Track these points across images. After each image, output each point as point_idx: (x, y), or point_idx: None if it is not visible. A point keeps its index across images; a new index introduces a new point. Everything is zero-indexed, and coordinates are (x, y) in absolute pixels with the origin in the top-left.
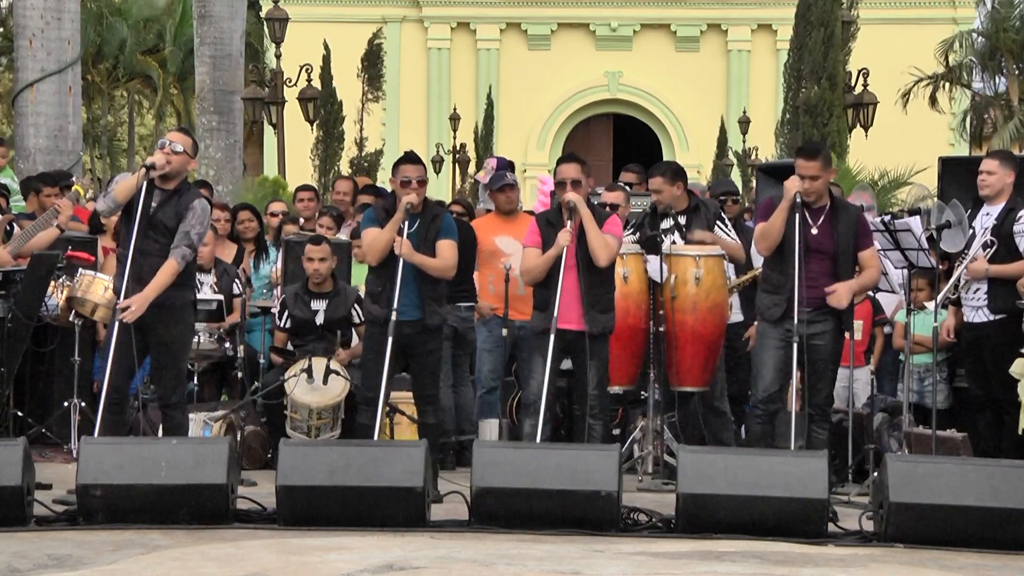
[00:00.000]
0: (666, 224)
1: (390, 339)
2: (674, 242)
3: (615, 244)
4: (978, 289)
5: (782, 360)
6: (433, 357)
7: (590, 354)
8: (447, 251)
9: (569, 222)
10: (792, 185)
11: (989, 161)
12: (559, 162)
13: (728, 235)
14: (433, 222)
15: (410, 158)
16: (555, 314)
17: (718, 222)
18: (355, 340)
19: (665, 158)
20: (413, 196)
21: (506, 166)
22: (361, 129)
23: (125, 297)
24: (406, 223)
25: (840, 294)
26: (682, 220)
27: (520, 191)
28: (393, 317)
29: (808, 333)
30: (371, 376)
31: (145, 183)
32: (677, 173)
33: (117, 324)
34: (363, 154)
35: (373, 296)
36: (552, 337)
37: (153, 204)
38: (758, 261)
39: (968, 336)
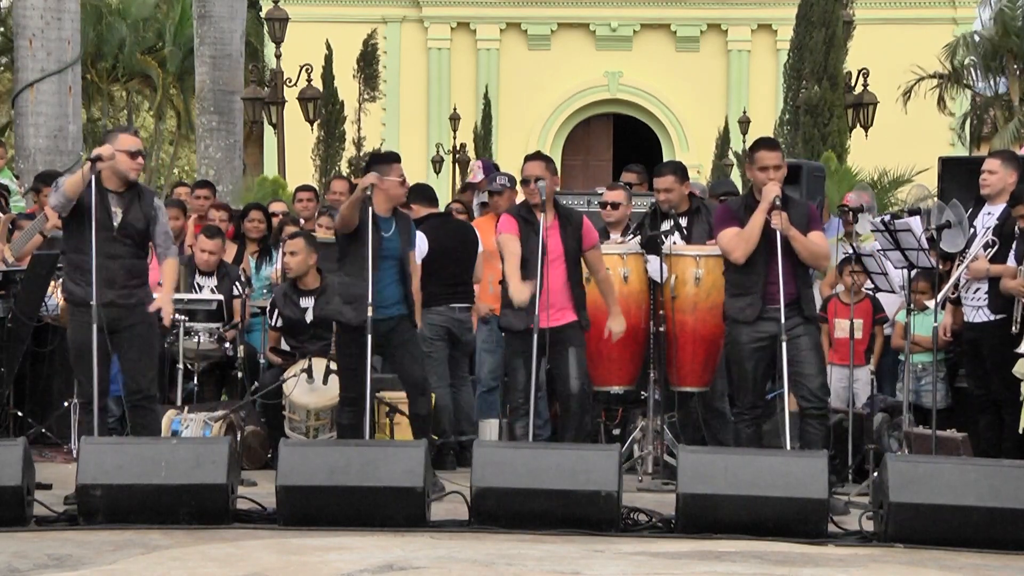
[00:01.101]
0: (666, 226)
1: (369, 337)
2: (675, 243)
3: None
4: (979, 289)
5: (759, 364)
6: (414, 344)
7: (568, 343)
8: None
9: (542, 216)
10: (773, 189)
11: (991, 160)
12: (526, 159)
13: None
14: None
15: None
16: (536, 313)
17: None
18: None
19: (665, 158)
20: (372, 177)
21: (491, 167)
22: (359, 129)
23: (102, 300)
24: (389, 225)
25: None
26: (683, 222)
27: (515, 194)
28: (369, 313)
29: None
30: (350, 377)
31: (93, 178)
32: (686, 173)
33: (81, 326)
34: (361, 154)
35: (349, 299)
36: (535, 336)
37: (116, 209)
38: None
39: (968, 336)
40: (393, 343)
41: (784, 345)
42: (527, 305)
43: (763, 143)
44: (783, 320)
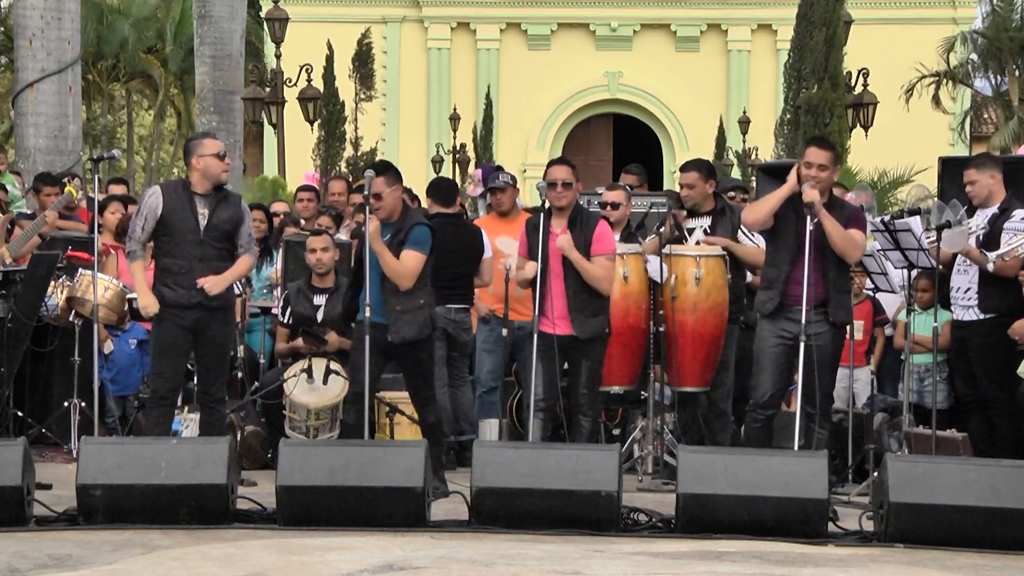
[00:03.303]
0: (692, 223)
1: (367, 339)
2: (698, 242)
3: (610, 263)
4: (969, 289)
5: (781, 361)
6: (423, 366)
7: (582, 355)
8: (408, 259)
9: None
10: (795, 182)
11: (968, 172)
12: (550, 164)
13: (752, 240)
14: (398, 234)
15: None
16: (536, 315)
17: (742, 227)
18: None
19: (665, 158)
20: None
21: (490, 172)
22: (356, 129)
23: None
24: (386, 232)
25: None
26: (707, 221)
27: (517, 192)
28: (367, 314)
29: (807, 333)
30: (361, 372)
31: (180, 184)
32: (711, 172)
33: (168, 325)
34: (359, 154)
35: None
36: (535, 339)
37: (203, 211)
38: None
39: (956, 334)
40: (402, 359)
41: (796, 345)
42: (527, 281)
43: (819, 140)
44: (804, 321)
